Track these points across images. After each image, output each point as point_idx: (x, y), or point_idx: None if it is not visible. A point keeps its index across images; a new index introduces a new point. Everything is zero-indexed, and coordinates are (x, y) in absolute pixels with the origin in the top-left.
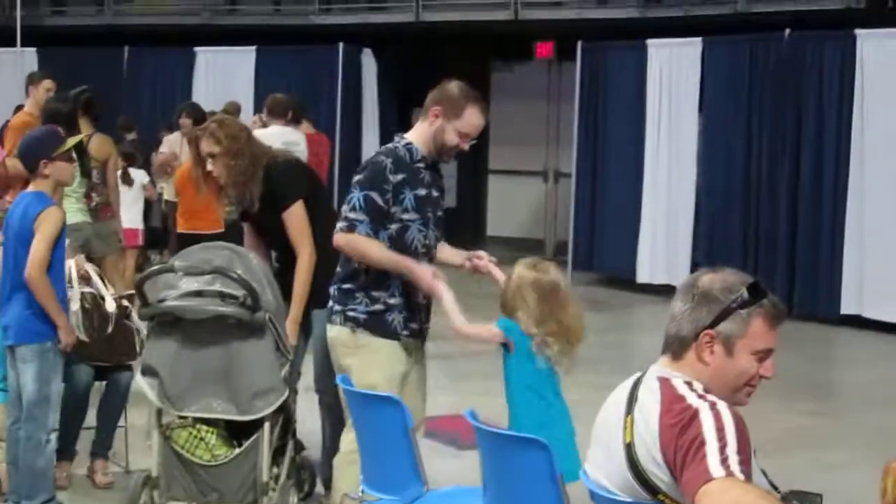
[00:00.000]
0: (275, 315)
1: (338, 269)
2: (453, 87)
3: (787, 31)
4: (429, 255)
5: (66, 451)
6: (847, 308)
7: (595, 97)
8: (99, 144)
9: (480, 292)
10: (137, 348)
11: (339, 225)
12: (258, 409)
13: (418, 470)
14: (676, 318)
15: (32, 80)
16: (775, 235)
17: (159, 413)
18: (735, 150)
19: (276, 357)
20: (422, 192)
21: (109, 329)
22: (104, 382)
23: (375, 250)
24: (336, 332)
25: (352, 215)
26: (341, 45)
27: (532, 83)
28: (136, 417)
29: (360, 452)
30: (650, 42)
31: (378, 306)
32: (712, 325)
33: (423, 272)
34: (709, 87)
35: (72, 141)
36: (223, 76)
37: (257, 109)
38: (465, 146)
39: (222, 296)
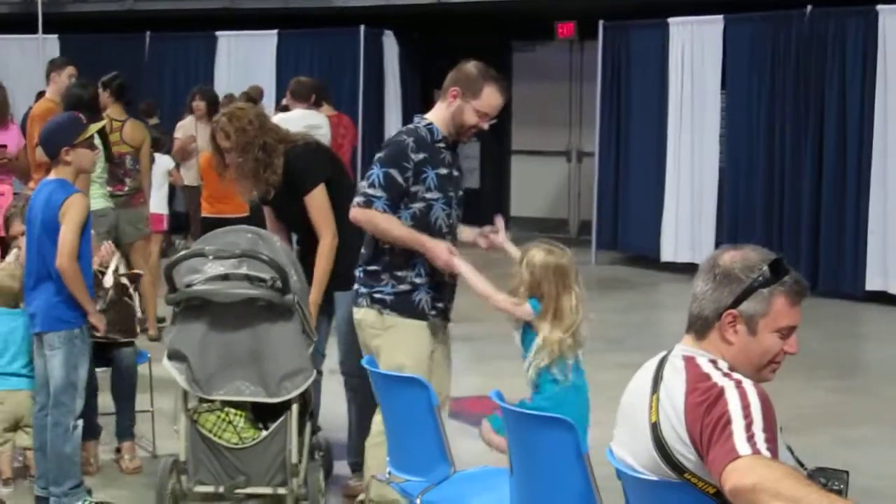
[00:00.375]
0: (301, 297)
1: (362, 251)
2: (471, 66)
3: (809, 7)
4: (452, 235)
5: (87, 432)
6: (872, 284)
7: (617, 76)
8: (132, 130)
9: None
10: (137, 329)
11: (357, 200)
12: (287, 390)
13: (445, 451)
14: (698, 297)
15: (55, 66)
16: (799, 212)
17: (186, 397)
18: (758, 127)
19: (303, 339)
20: (443, 171)
21: (100, 304)
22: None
23: (392, 226)
24: (363, 315)
25: (370, 191)
26: (363, 27)
27: (554, 63)
28: (163, 402)
29: (385, 434)
30: (672, 20)
31: (404, 286)
32: (734, 305)
33: (438, 248)
34: (731, 64)
35: (94, 127)
36: (245, 60)
37: (279, 93)
38: (485, 125)
39: (249, 279)
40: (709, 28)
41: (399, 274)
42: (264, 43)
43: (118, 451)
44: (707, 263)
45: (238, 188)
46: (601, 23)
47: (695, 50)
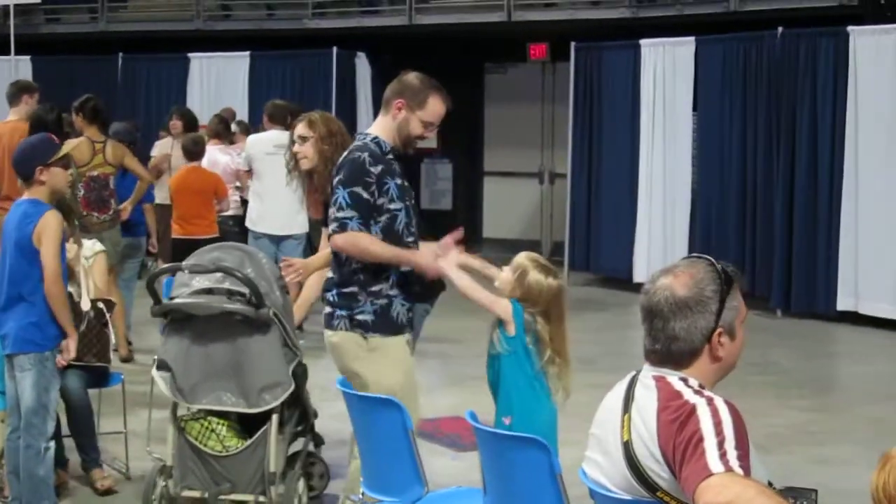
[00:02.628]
0: (281, 312)
1: (330, 275)
2: (413, 78)
3: (780, 28)
4: (415, 242)
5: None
6: (844, 304)
7: (589, 97)
8: (113, 150)
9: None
10: (110, 355)
11: (332, 227)
12: (266, 402)
13: (419, 471)
14: (680, 336)
15: (29, 89)
16: (771, 233)
17: (175, 406)
18: (730, 148)
19: (282, 352)
20: (398, 181)
21: (82, 327)
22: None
23: (376, 246)
24: (341, 338)
25: (340, 214)
26: (335, 49)
27: (526, 84)
28: (136, 423)
29: (359, 454)
30: (643, 42)
31: (382, 301)
32: (717, 323)
33: (424, 258)
34: (703, 85)
35: (66, 147)
36: (217, 82)
37: (252, 114)
38: (429, 135)
39: (230, 293)
40: (680, 49)
41: (374, 289)
42: (237, 64)
43: (89, 476)
44: (664, 305)
45: (318, 183)
46: (573, 44)
47: (666, 71)
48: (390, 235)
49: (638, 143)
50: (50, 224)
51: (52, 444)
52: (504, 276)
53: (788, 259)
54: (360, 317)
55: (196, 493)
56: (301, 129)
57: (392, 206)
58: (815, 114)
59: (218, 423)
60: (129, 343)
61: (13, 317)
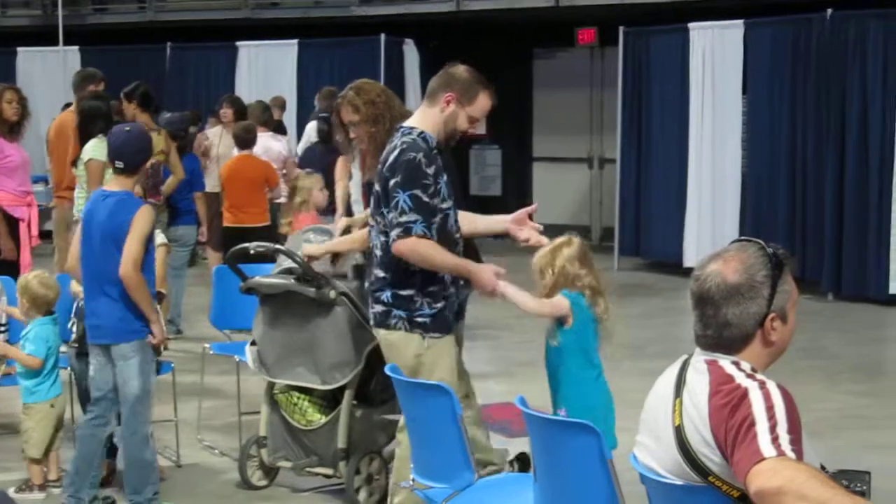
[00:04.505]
0: (355, 294)
1: (380, 274)
2: (463, 71)
3: (829, 10)
4: (461, 236)
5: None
6: (895, 288)
7: (638, 82)
8: (165, 139)
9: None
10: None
11: (395, 232)
12: (336, 379)
13: (468, 457)
14: (732, 322)
15: (96, 78)
16: (821, 216)
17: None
18: (780, 131)
19: (353, 333)
20: (445, 177)
21: None
22: None
23: (438, 255)
24: (400, 338)
25: (403, 219)
26: (383, 36)
27: (575, 70)
28: (186, 412)
29: (410, 441)
30: (692, 25)
31: (439, 304)
32: (770, 307)
33: (485, 274)
34: (752, 68)
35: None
36: (265, 70)
37: (300, 102)
38: (474, 131)
39: (296, 274)
40: (729, 33)
41: (432, 290)
42: (285, 52)
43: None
44: (715, 291)
45: (371, 165)
46: (622, 29)
47: (715, 55)
48: (444, 234)
49: (687, 127)
50: (144, 217)
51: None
52: (540, 286)
53: (839, 242)
54: (419, 319)
55: (288, 464)
56: (346, 114)
57: (444, 206)
58: (865, 95)
59: (300, 398)
60: (180, 331)
61: (106, 307)
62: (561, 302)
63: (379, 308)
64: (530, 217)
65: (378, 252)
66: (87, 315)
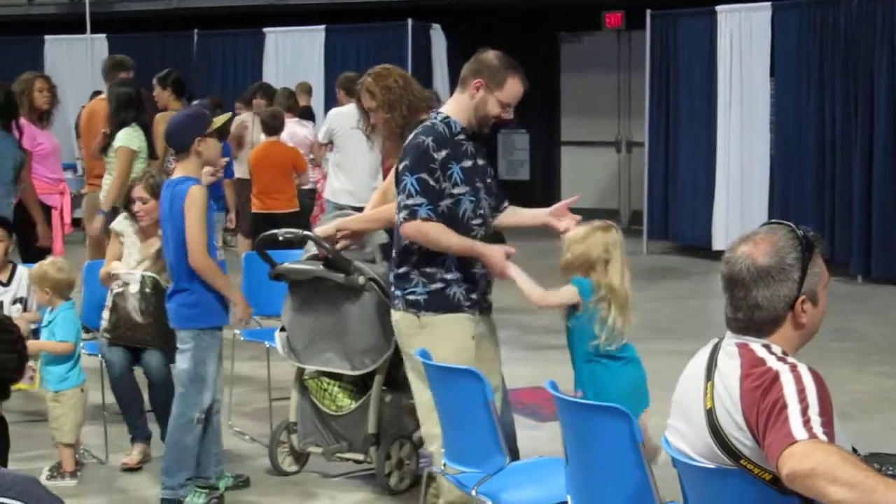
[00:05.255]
0: (384, 280)
1: (395, 256)
2: (492, 57)
3: None
4: (484, 226)
5: (134, 435)
6: None
7: (666, 65)
8: None
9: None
10: None
11: (401, 215)
12: (366, 365)
13: (499, 442)
14: (763, 305)
15: (126, 66)
16: (850, 199)
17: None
18: (808, 114)
19: (380, 317)
20: (467, 163)
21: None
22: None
23: (445, 237)
24: (399, 317)
25: (409, 202)
26: (410, 21)
27: (602, 53)
28: None
29: (440, 426)
30: (719, 8)
31: (437, 284)
32: (800, 290)
33: (494, 255)
34: (779, 51)
35: (219, 120)
36: (293, 56)
37: (328, 88)
38: (506, 116)
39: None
40: (756, 15)
41: (428, 271)
42: (312, 38)
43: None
44: (746, 273)
45: (389, 150)
46: (649, 12)
47: (743, 37)
48: (454, 220)
49: (715, 110)
50: (195, 196)
51: (204, 416)
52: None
53: (868, 224)
54: (411, 296)
55: (319, 450)
56: (365, 100)
57: (455, 191)
58: (894, 77)
59: (329, 384)
60: None
61: (175, 293)
62: (566, 293)
63: (392, 289)
64: (571, 210)
65: (396, 233)
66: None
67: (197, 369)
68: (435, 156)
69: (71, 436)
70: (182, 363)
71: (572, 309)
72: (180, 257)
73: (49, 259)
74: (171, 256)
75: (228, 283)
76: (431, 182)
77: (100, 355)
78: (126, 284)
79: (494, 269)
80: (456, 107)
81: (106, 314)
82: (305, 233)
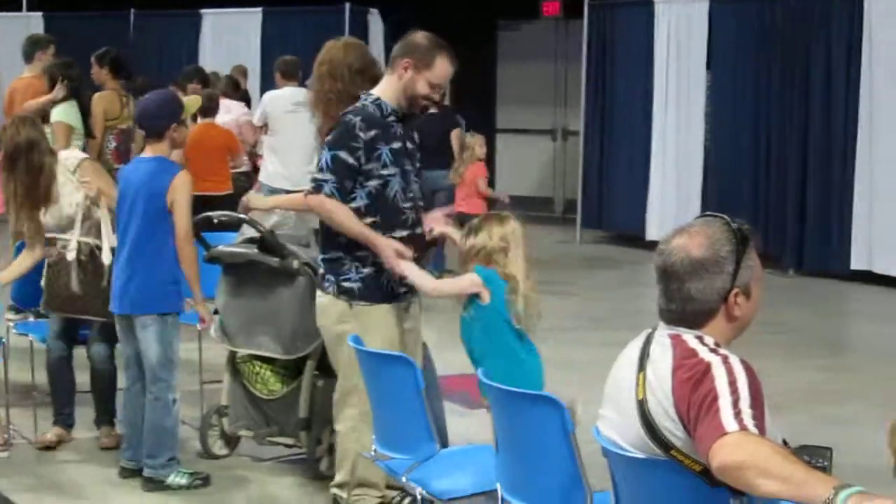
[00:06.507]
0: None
1: (321, 236)
2: (421, 37)
3: None
4: (415, 209)
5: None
6: (857, 264)
7: (603, 55)
8: (134, 105)
9: None
10: None
11: (309, 187)
12: (298, 349)
13: (431, 429)
14: (696, 297)
15: (40, 44)
16: (784, 191)
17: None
18: (744, 106)
19: (314, 303)
20: (396, 145)
21: (104, 283)
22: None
23: (343, 216)
24: (328, 301)
25: (319, 175)
26: (348, 5)
27: (539, 42)
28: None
29: (372, 412)
30: (657, 0)
31: (368, 269)
32: (734, 283)
33: (385, 249)
34: (717, 44)
35: (190, 104)
36: (230, 38)
37: (264, 70)
38: (436, 96)
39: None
40: (694, 8)
41: (360, 254)
42: (249, 20)
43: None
44: (680, 265)
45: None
46: (587, 2)
47: (680, 30)
48: (381, 201)
49: (651, 101)
50: (185, 184)
51: (179, 395)
52: (467, 241)
53: (802, 217)
54: (345, 283)
55: (249, 433)
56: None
57: (384, 172)
58: (829, 73)
59: (262, 367)
60: None
61: (134, 276)
62: (463, 282)
63: (321, 271)
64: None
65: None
66: (115, 283)
67: (166, 352)
68: (360, 135)
69: None
70: (150, 348)
71: (472, 298)
72: (149, 236)
73: None
74: (132, 234)
75: (198, 275)
76: (350, 160)
77: (31, 336)
78: (63, 249)
79: (386, 262)
80: (386, 88)
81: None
82: (241, 216)
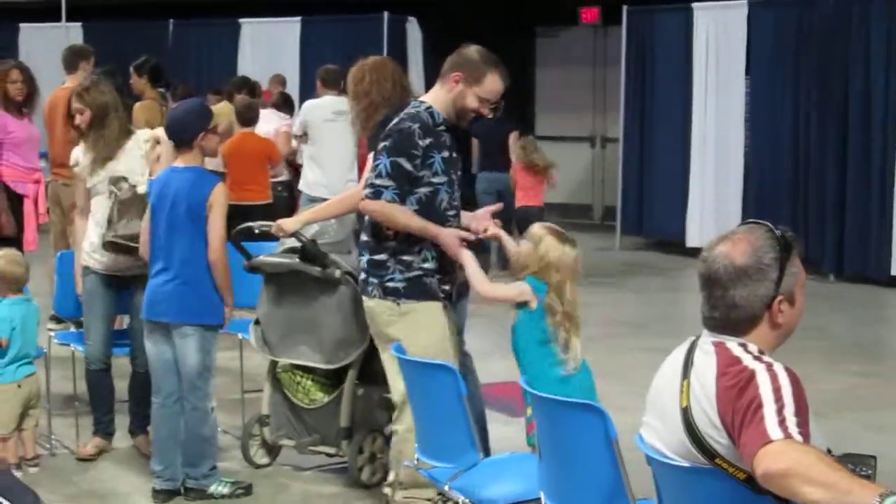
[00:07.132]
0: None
1: (363, 238)
2: (473, 52)
3: None
4: (457, 216)
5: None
6: None
7: (641, 61)
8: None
9: None
10: None
11: (366, 192)
12: (340, 358)
13: (473, 437)
14: (740, 304)
15: (83, 55)
16: (824, 197)
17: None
18: (783, 111)
19: (355, 311)
20: (446, 154)
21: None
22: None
23: (403, 216)
24: (375, 304)
25: (378, 182)
26: (386, 14)
27: (578, 49)
28: None
29: (414, 421)
30: (696, 5)
31: (414, 272)
32: (778, 290)
33: (449, 238)
34: (755, 49)
35: (219, 113)
36: (268, 48)
37: (303, 79)
38: (485, 111)
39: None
40: (733, 13)
41: (405, 259)
42: (288, 29)
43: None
44: (723, 273)
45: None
46: (625, 8)
47: (719, 35)
48: (430, 208)
49: (690, 107)
50: (223, 194)
51: (216, 403)
52: (523, 248)
53: (841, 223)
54: (390, 284)
55: (291, 443)
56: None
57: (435, 180)
58: (869, 77)
59: (303, 377)
60: None
61: (172, 285)
62: (515, 288)
63: (361, 276)
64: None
65: (367, 220)
66: (151, 288)
67: (204, 361)
68: (419, 142)
69: (4, 428)
70: (189, 357)
71: (521, 306)
72: (184, 246)
73: (2, 251)
74: (176, 243)
75: (231, 285)
76: (408, 167)
77: (73, 346)
78: (134, 187)
79: (448, 250)
80: (436, 98)
81: (100, 230)
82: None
